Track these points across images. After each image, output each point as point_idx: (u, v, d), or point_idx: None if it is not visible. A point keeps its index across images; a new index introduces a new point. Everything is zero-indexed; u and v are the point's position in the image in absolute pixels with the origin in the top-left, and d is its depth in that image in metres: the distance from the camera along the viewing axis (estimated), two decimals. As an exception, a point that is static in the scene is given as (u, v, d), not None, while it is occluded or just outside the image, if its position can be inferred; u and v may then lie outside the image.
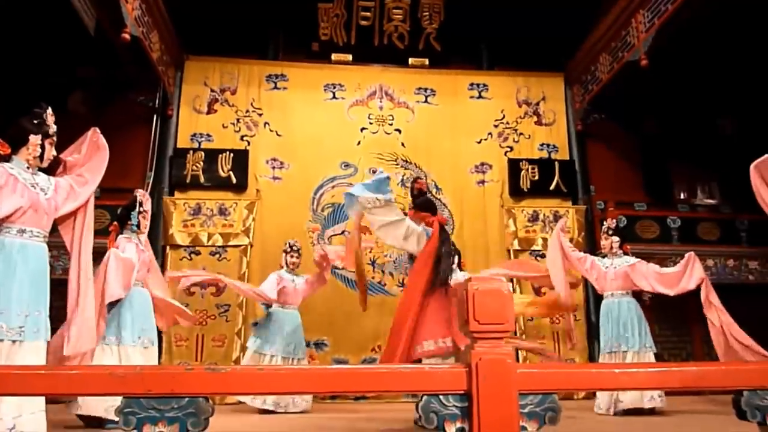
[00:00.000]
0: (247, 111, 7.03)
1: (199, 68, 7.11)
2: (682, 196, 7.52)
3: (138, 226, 3.95)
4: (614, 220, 5.43)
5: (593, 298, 6.73)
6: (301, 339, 5.12)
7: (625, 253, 5.00)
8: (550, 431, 1.61)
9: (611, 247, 4.99)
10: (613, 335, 4.70)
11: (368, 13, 7.37)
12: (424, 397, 1.61)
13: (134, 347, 3.69)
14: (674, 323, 6.87)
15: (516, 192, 7.04)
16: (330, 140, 7.03)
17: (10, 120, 3.00)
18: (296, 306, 5.17)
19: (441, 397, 1.60)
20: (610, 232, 5.04)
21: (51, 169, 3.09)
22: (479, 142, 7.25)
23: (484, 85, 7.48)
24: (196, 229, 6.48)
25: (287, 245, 5.34)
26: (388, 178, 3.44)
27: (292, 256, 5.26)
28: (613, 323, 4.73)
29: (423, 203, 3.79)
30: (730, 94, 7.37)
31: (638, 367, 1.97)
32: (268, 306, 5.06)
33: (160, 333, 4.22)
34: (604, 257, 5.04)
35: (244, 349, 5.68)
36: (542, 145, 7.36)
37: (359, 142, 7.06)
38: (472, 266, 6.02)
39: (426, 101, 7.35)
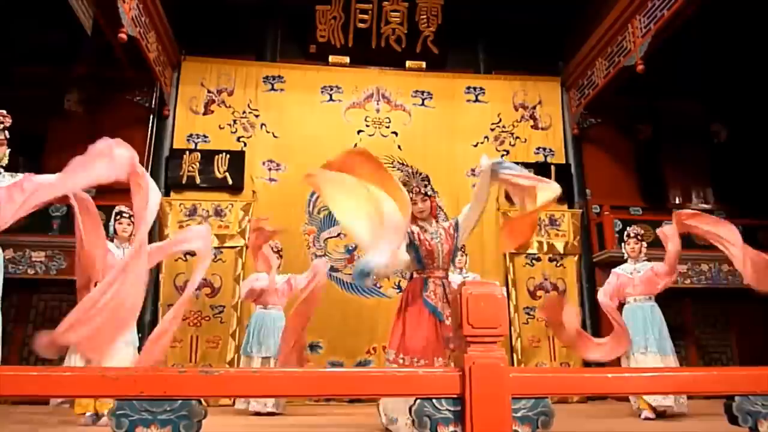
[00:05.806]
0: (244, 112, 7.03)
1: (196, 69, 7.11)
2: (677, 201, 7.54)
3: (115, 232, 4.15)
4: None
5: (588, 304, 6.75)
6: (270, 339, 4.91)
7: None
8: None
9: (640, 251, 4.94)
10: (643, 337, 4.64)
11: (366, 16, 7.38)
12: (418, 401, 1.61)
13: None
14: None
15: (512, 195, 7.05)
16: (326, 142, 7.00)
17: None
18: (279, 306, 5.07)
19: (434, 400, 1.60)
20: (640, 237, 5.01)
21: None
22: (475, 146, 7.26)
23: (481, 88, 7.50)
24: (191, 230, 6.46)
25: None
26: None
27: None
28: (639, 327, 4.67)
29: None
30: (724, 100, 7.42)
31: (631, 372, 1.98)
32: None
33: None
34: (624, 261, 5.02)
35: (238, 350, 5.67)
36: (538, 149, 7.39)
37: (356, 145, 7.04)
38: (468, 269, 6.00)
39: (423, 104, 7.37)
